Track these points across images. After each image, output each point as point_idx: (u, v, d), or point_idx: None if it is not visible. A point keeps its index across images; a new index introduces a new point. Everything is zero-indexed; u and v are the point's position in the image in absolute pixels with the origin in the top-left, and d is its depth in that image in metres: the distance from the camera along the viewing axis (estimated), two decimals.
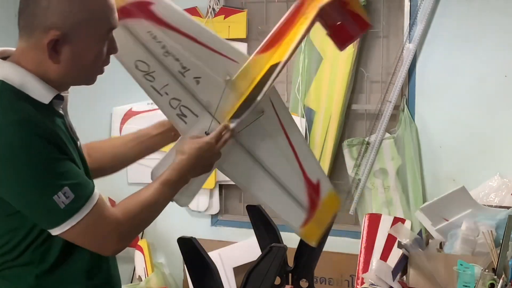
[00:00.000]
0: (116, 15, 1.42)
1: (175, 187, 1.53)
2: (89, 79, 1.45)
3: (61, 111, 1.43)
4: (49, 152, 1.30)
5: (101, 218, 1.36)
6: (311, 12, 1.64)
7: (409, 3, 3.36)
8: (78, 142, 1.47)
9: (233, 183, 1.84)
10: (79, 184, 1.33)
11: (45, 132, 1.31)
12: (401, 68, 3.36)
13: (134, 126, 3.81)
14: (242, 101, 1.64)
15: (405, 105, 3.37)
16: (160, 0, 1.65)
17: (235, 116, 1.63)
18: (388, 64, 3.50)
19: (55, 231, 1.33)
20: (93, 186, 1.38)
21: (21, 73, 1.36)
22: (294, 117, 3.46)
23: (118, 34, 1.45)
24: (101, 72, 1.46)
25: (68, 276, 1.41)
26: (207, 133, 1.62)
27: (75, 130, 1.47)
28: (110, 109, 3.88)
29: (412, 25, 3.34)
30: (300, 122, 3.51)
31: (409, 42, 3.35)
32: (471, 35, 3.27)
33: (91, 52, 1.39)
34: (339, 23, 1.77)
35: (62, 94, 1.45)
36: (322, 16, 1.68)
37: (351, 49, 3.42)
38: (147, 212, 1.45)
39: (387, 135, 3.42)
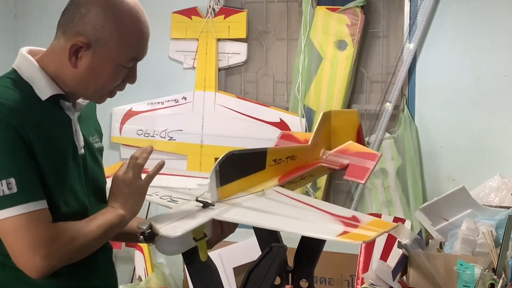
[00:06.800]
0: (146, 48, 1.45)
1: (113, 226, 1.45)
2: (97, 96, 1.47)
3: (70, 116, 1.44)
4: (13, 142, 1.29)
5: (37, 226, 1.30)
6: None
7: (409, 3, 3.36)
8: (81, 151, 1.46)
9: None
10: (27, 184, 1.30)
11: (19, 123, 1.30)
12: (401, 68, 3.36)
13: (134, 126, 3.85)
14: None
15: (405, 105, 3.37)
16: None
17: None
18: (388, 64, 3.50)
19: None
20: (43, 198, 1.33)
21: (33, 67, 1.40)
22: (294, 117, 3.54)
23: None
24: (111, 95, 1.48)
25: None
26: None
27: (80, 138, 1.46)
28: (110, 109, 3.87)
29: (412, 25, 3.34)
30: (300, 122, 3.52)
31: (409, 42, 3.35)
32: (471, 35, 3.27)
33: (106, 71, 1.41)
34: (347, 163, 2.07)
35: (81, 102, 1.48)
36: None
37: (351, 49, 3.42)
38: (86, 244, 1.39)
39: (387, 135, 3.42)
